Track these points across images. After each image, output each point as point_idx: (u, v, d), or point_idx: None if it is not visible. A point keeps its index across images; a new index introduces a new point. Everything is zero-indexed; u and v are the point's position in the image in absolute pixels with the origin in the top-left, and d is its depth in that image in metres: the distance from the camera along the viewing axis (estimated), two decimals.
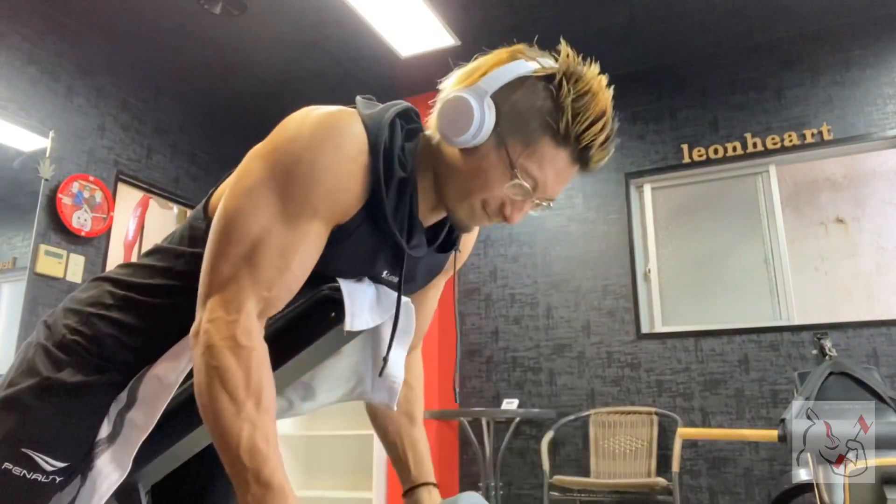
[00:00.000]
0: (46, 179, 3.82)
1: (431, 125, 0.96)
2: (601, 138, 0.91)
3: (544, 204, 0.96)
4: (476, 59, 0.97)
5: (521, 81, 0.91)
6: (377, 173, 0.89)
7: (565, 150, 0.91)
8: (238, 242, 0.84)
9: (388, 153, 0.90)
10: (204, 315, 0.83)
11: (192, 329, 0.84)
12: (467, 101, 0.89)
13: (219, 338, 0.81)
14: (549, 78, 0.91)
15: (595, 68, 0.93)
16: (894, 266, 4.10)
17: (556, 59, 0.93)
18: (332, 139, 0.87)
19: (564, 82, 0.89)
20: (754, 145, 4.16)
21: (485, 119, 0.89)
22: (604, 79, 0.92)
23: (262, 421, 0.80)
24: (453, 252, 1.09)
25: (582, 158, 0.92)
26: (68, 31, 4.08)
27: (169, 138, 4.75)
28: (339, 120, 0.89)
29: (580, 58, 0.93)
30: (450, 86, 0.96)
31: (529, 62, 0.92)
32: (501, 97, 0.91)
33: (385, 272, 0.99)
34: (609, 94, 0.92)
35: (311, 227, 0.86)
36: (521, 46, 0.95)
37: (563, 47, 0.93)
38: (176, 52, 4.38)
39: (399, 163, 0.92)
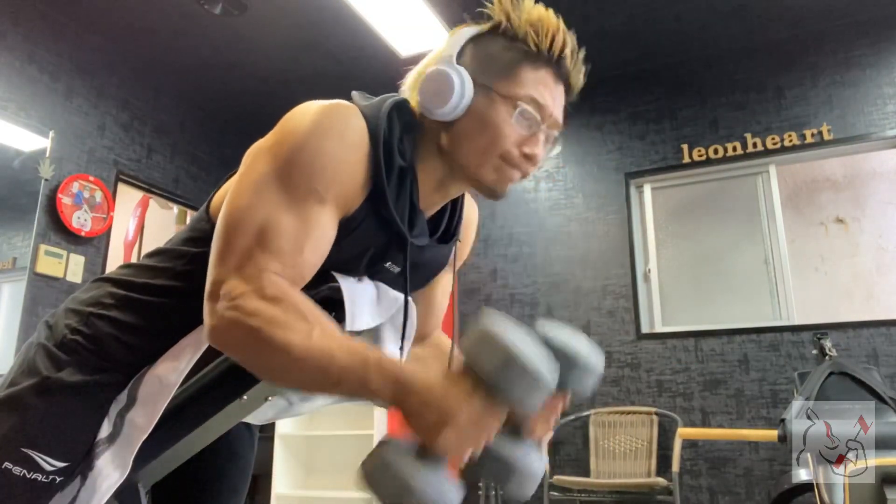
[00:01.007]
0: (46, 179, 3.82)
1: (416, 115, 0.98)
2: (568, 49, 0.95)
3: (554, 134, 0.99)
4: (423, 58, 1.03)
5: (475, 40, 0.97)
6: (378, 163, 0.90)
7: (544, 68, 0.94)
8: (245, 234, 0.83)
9: (387, 143, 0.91)
10: (221, 304, 0.79)
11: (208, 329, 0.81)
12: (440, 69, 0.93)
13: (251, 306, 0.77)
14: (496, 25, 0.96)
15: (529, 1, 0.97)
16: (894, 266, 4.10)
17: (493, 12, 0.97)
18: (334, 128, 0.88)
19: (512, 15, 0.95)
20: (754, 145, 4.16)
21: (463, 79, 0.93)
22: (542, 5, 0.97)
23: (333, 329, 0.78)
24: (455, 245, 1.09)
25: (562, 73, 0.96)
26: (68, 31, 4.08)
27: (169, 138, 4.75)
28: (339, 111, 0.90)
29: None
30: (409, 84, 1.01)
31: (472, 27, 0.98)
32: (464, 59, 0.95)
33: (389, 263, 0.98)
34: (552, 13, 0.97)
35: (319, 215, 0.86)
36: (458, 26, 1.01)
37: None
38: (176, 52, 4.38)
39: (399, 152, 0.93)
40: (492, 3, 0.97)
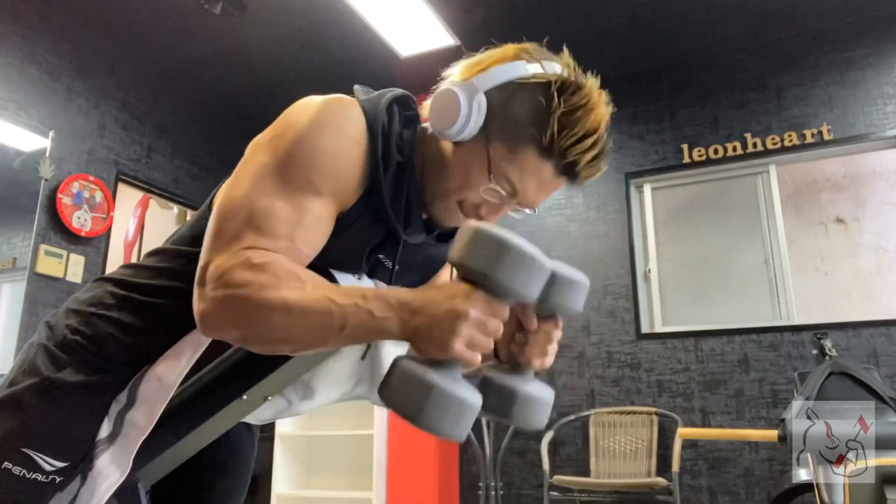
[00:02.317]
0: (46, 179, 3.82)
1: (424, 116, 0.98)
2: (589, 156, 0.89)
3: (526, 210, 0.96)
4: (484, 50, 0.96)
5: (518, 84, 0.90)
6: (376, 156, 0.89)
7: (549, 163, 0.89)
8: (237, 219, 0.82)
9: (385, 137, 0.91)
10: (207, 287, 0.78)
11: (198, 312, 0.80)
12: (456, 95, 0.89)
13: (238, 278, 0.77)
14: (546, 86, 0.88)
15: (594, 82, 0.90)
16: (894, 266, 4.10)
17: (559, 65, 0.91)
18: (332, 122, 0.87)
19: (556, 95, 0.87)
20: (754, 145, 4.16)
21: (471, 116, 0.89)
22: (602, 95, 0.90)
23: (326, 282, 0.77)
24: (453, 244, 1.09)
25: (568, 173, 0.91)
26: (68, 31, 4.08)
27: (169, 138, 4.75)
28: (339, 104, 0.90)
29: (581, 68, 0.91)
30: (453, 76, 0.96)
31: (531, 64, 0.90)
32: (495, 97, 0.91)
33: (383, 256, 0.99)
34: (606, 110, 0.90)
35: (314, 205, 0.86)
36: (528, 46, 0.94)
37: (565, 56, 0.91)
38: (176, 53, 4.38)
39: (397, 147, 0.93)
40: (562, 62, 0.90)
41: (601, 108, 0.89)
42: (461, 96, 0.89)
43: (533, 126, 0.88)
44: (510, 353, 0.88)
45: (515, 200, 0.92)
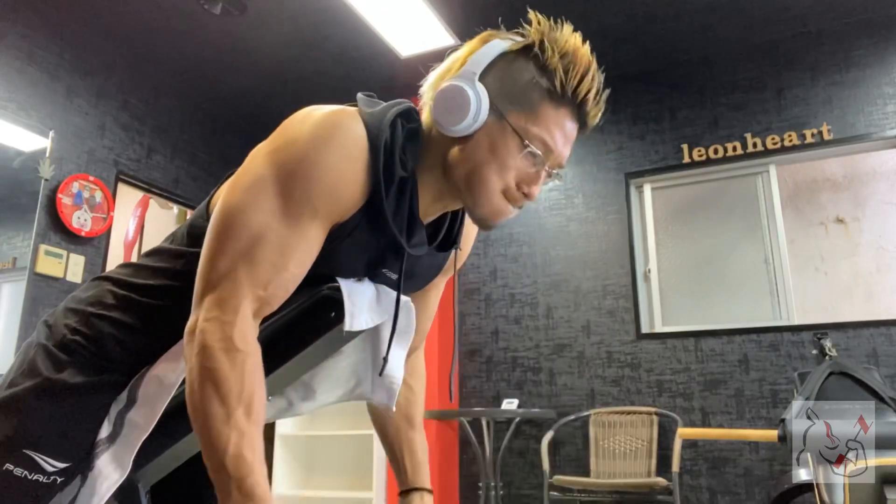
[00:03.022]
0: (46, 179, 3.82)
1: (426, 122, 0.97)
2: (594, 90, 0.93)
3: (555, 172, 0.97)
4: (448, 55, 0.99)
5: (503, 58, 0.93)
6: (377, 173, 0.89)
7: (565, 109, 0.92)
8: (236, 238, 0.84)
9: (388, 153, 0.90)
10: (200, 314, 0.82)
11: (188, 327, 0.83)
12: (459, 87, 0.90)
13: (214, 339, 0.80)
14: (528, 47, 0.93)
15: (568, 28, 0.94)
16: (894, 266, 4.09)
17: (528, 33, 0.94)
18: (334, 139, 0.87)
19: (547, 44, 0.92)
20: (754, 145, 4.16)
21: (480, 100, 0.90)
22: (579, 35, 0.94)
23: (251, 430, 0.79)
24: (454, 251, 1.08)
25: (581, 114, 0.94)
26: (68, 31, 4.08)
27: (169, 138, 4.75)
28: (341, 120, 0.88)
29: (550, 21, 0.95)
30: (430, 85, 0.97)
31: (503, 41, 0.94)
32: (488, 77, 0.92)
33: (385, 269, 0.98)
34: (588, 47, 0.94)
35: (311, 227, 0.86)
36: (490, 31, 0.98)
37: (533, 15, 0.94)
38: (176, 52, 4.38)
39: (400, 162, 0.92)
40: (527, 22, 0.94)
41: (585, 45, 0.94)
42: (464, 86, 0.90)
43: (539, 81, 0.91)
44: None
45: (549, 160, 0.94)
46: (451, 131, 0.91)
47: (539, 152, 0.91)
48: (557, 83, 0.90)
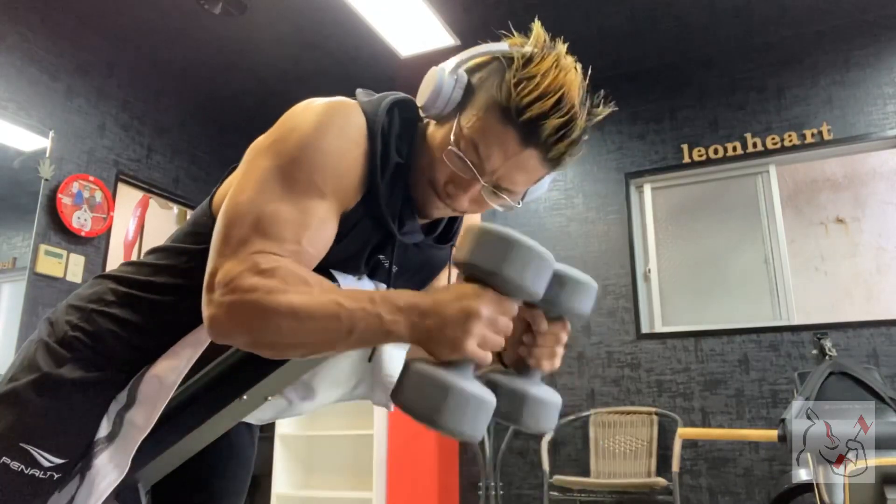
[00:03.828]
0: (46, 179, 3.82)
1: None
2: (555, 121, 0.85)
3: (503, 197, 0.92)
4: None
5: (490, 59, 0.92)
6: (374, 158, 0.90)
7: (511, 128, 0.86)
8: (243, 225, 0.83)
9: (385, 139, 0.91)
10: (216, 291, 0.79)
11: (205, 314, 0.80)
12: (435, 69, 0.92)
13: (239, 273, 0.77)
14: (511, 57, 0.89)
15: (561, 49, 0.89)
16: (894, 266, 4.10)
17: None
18: (334, 124, 0.88)
19: (518, 59, 0.87)
20: (754, 145, 4.16)
21: (450, 88, 0.90)
22: (566, 60, 0.88)
23: (337, 290, 0.77)
24: (452, 247, 1.08)
25: (535, 142, 0.86)
26: (68, 31, 4.08)
27: (169, 138, 4.75)
28: (340, 107, 0.90)
29: (552, 42, 0.90)
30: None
31: (504, 45, 0.93)
32: (475, 73, 0.92)
33: (381, 256, 0.99)
34: (573, 77, 0.87)
35: (318, 207, 0.86)
36: (517, 37, 0.95)
37: (536, 27, 0.91)
38: (176, 52, 4.38)
39: (396, 149, 0.93)
40: (528, 24, 0.92)
41: (564, 73, 0.86)
42: (438, 71, 0.91)
43: (494, 90, 0.87)
44: (517, 356, 0.87)
45: (483, 174, 0.89)
46: (423, 110, 0.92)
47: (463, 157, 0.88)
48: (503, 97, 0.86)
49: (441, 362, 0.74)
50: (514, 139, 0.86)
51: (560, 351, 0.87)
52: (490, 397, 0.75)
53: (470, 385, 0.73)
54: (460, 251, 0.77)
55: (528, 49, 0.89)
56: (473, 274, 0.76)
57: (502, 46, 0.92)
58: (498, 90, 0.87)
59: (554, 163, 0.90)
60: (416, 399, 0.74)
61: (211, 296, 0.79)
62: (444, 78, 0.90)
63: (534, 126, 0.85)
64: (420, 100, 0.92)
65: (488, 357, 0.74)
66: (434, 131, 0.94)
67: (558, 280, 0.80)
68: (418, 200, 0.96)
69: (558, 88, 0.85)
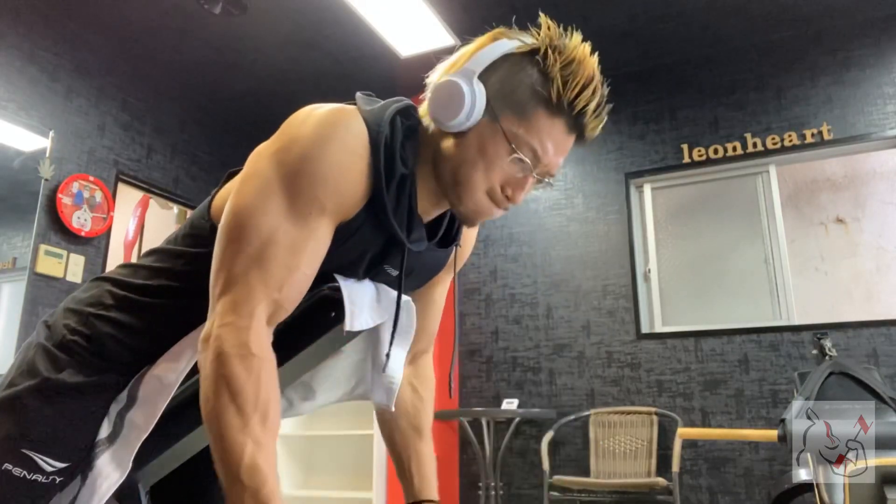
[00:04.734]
0: (46, 179, 3.82)
1: (424, 116, 0.97)
2: (593, 104, 0.91)
3: (546, 180, 0.96)
4: (458, 48, 0.98)
5: (507, 59, 0.93)
6: (378, 170, 0.89)
7: (560, 119, 0.91)
8: (247, 242, 0.84)
9: (389, 150, 0.91)
10: (215, 319, 0.82)
11: (203, 333, 0.82)
12: (456, 83, 0.90)
13: (230, 345, 0.79)
14: (533, 52, 0.92)
15: (577, 37, 0.93)
16: (894, 266, 4.10)
17: (537, 36, 0.94)
18: (336, 137, 0.87)
19: (550, 52, 0.91)
20: (754, 145, 4.16)
21: (476, 99, 0.90)
22: (587, 46, 0.93)
23: (266, 439, 0.78)
24: (454, 248, 1.08)
25: (577, 126, 0.93)
26: (68, 31, 4.08)
27: (169, 138, 4.75)
28: (341, 118, 0.89)
29: (560, 28, 0.94)
30: (436, 78, 0.97)
31: (511, 41, 0.94)
32: (489, 76, 0.92)
33: (387, 266, 0.99)
34: (595, 59, 0.93)
35: (319, 225, 0.86)
36: (501, 29, 0.97)
37: (544, 20, 0.93)
38: (176, 52, 4.38)
39: (400, 159, 0.92)
40: (532, 22, 0.93)
41: (591, 57, 0.93)
42: (461, 82, 0.90)
43: (537, 88, 0.90)
44: None
45: (538, 168, 0.93)
46: (444, 126, 0.92)
47: (527, 160, 0.91)
48: (555, 93, 0.89)
49: None
50: (562, 129, 0.92)
51: None
52: None
53: None
54: None
55: (557, 42, 0.92)
56: None
57: (508, 44, 0.93)
58: (543, 89, 0.90)
59: (585, 140, 0.96)
60: None
61: (205, 350, 0.81)
62: (471, 93, 0.90)
63: (581, 114, 0.91)
64: (442, 115, 0.91)
65: None
66: (453, 143, 0.93)
67: None
68: (465, 212, 0.96)
69: (593, 75, 0.92)
